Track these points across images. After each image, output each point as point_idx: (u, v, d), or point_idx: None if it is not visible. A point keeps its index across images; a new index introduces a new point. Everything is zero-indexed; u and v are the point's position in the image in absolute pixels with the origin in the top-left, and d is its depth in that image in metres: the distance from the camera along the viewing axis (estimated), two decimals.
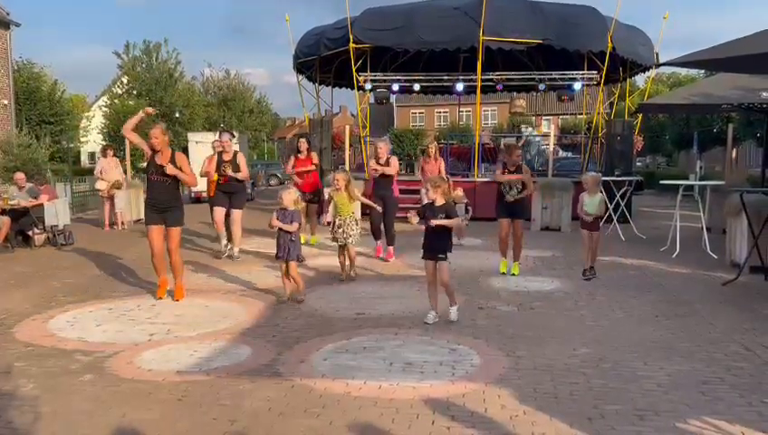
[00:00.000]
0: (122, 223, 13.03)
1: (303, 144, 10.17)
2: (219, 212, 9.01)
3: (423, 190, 10.72)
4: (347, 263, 7.63)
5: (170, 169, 6.35)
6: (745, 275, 7.49)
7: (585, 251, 7.87)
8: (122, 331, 5.50)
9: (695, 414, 3.71)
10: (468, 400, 3.94)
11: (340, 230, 7.39)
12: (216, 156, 9.00)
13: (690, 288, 7.20)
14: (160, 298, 6.63)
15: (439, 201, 5.72)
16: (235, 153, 9.02)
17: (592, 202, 7.64)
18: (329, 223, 7.58)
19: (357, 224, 7.54)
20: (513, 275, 7.86)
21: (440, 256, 5.65)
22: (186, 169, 6.57)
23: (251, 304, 6.43)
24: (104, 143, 34.41)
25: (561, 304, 6.49)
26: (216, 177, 8.95)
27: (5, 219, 9.95)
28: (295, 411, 3.79)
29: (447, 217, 5.66)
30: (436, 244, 5.66)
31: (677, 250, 9.35)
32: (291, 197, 6.63)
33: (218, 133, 9.75)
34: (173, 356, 4.81)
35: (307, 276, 7.81)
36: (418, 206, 7.00)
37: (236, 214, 8.97)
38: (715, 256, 8.94)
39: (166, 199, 6.56)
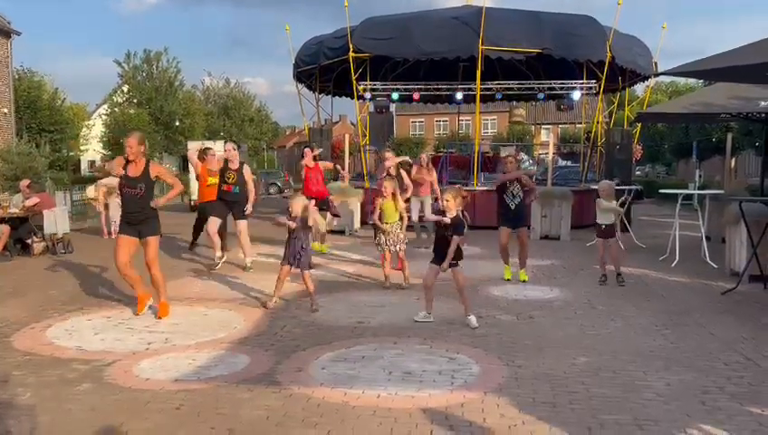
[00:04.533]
0: (116, 232, 12.98)
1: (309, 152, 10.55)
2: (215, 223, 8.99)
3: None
4: (390, 271, 7.66)
5: (156, 203, 6.15)
6: (745, 284, 7.49)
7: (600, 259, 8.00)
8: (120, 339, 5.49)
9: (695, 424, 3.70)
10: (467, 409, 3.92)
11: (384, 237, 7.54)
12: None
13: (689, 297, 7.19)
14: (140, 314, 6.29)
15: None
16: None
17: (606, 209, 7.78)
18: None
19: (401, 230, 7.61)
20: (524, 281, 7.98)
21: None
22: (167, 178, 6.48)
23: (249, 312, 6.42)
24: (104, 152, 34.54)
25: (560, 313, 6.48)
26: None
27: (5, 227, 9.95)
28: (293, 421, 3.77)
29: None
30: None
31: (677, 259, 9.35)
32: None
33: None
34: (171, 365, 4.79)
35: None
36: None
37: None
38: (715, 265, 8.94)
39: (140, 212, 6.16)
